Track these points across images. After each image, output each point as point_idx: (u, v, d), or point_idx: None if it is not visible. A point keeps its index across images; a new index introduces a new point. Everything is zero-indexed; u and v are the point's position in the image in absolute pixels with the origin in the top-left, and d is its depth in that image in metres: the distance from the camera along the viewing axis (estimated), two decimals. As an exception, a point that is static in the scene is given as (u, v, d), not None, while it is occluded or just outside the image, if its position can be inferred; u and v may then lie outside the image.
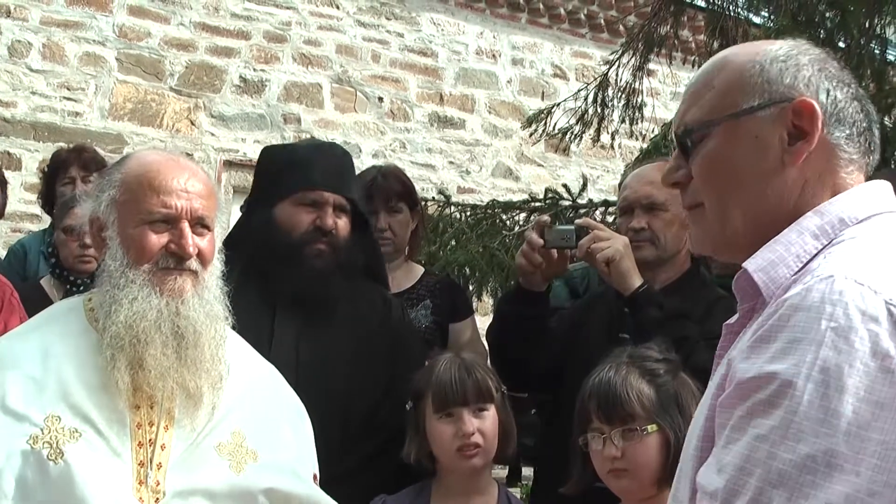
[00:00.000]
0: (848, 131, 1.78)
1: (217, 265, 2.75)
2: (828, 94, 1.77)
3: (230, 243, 3.84)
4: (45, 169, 5.80)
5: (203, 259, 2.66)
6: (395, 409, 3.47)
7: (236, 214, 4.00)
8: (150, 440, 2.53)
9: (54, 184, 5.57)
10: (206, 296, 2.67)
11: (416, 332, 4.04)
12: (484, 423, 3.28)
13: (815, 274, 1.59)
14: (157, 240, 2.60)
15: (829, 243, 1.70)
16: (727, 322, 1.87)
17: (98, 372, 2.53)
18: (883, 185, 1.81)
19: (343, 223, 3.59)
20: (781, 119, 1.77)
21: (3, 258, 5.85)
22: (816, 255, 1.69)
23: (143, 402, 2.55)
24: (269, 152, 3.92)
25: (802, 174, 1.76)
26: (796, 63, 1.80)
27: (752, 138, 1.79)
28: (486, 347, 4.48)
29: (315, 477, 2.82)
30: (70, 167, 5.53)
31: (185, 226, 2.62)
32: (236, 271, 3.47)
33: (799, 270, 1.68)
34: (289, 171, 3.62)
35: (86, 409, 2.49)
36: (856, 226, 1.71)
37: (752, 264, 1.73)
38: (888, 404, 1.46)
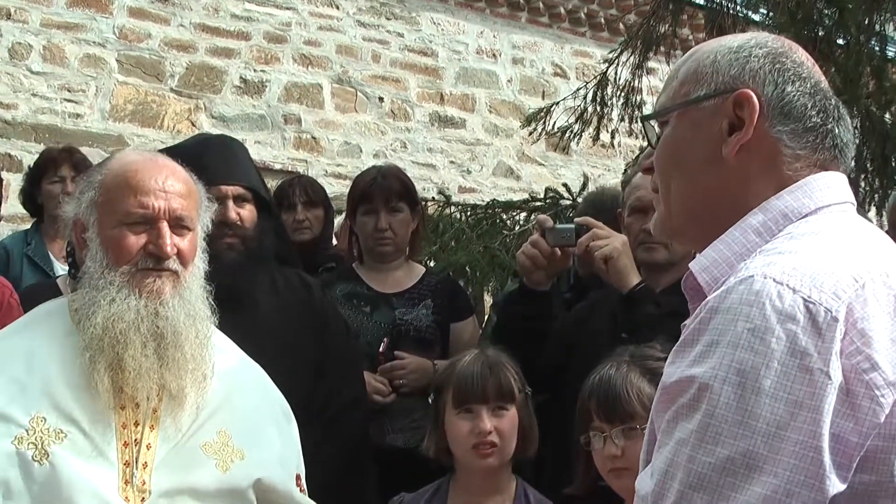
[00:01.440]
0: (793, 126, 1.75)
1: (199, 265, 2.74)
2: (775, 87, 1.76)
3: None
4: (31, 167, 5.71)
5: (183, 259, 2.65)
6: (332, 391, 3.50)
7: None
8: (135, 440, 2.52)
9: (40, 181, 5.49)
10: (188, 296, 2.65)
11: (338, 311, 4.01)
12: (502, 423, 3.25)
13: (738, 275, 1.59)
14: (136, 240, 2.59)
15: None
16: (684, 323, 1.85)
17: (82, 373, 2.53)
18: (834, 176, 1.78)
19: (247, 212, 3.58)
20: (724, 110, 1.76)
21: None
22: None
23: (128, 403, 2.54)
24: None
25: (744, 167, 1.75)
26: (747, 55, 1.79)
27: (697, 127, 1.80)
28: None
29: (299, 477, 2.82)
30: (61, 166, 5.45)
31: (164, 226, 2.60)
32: None
33: None
34: None
35: (71, 410, 2.48)
36: (798, 221, 1.70)
37: (696, 265, 1.75)
38: (806, 403, 1.46)
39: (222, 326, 3.37)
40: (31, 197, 5.56)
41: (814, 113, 1.77)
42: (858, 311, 1.51)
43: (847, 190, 1.79)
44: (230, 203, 3.53)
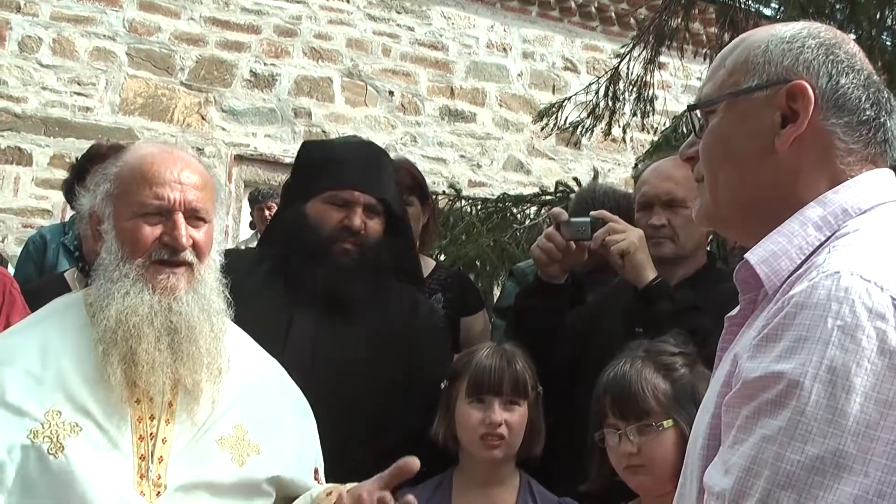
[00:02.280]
0: (847, 119, 1.73)
1: (215, 258, 2.73)
2: (829, 79, 1.74)
3: (266, 238, 3.85)
4: (78, 159, 5.75)
5: (199, 251, 2.64)
6: (412, 413, 3.46)
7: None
8: (150, 434, 2.51)
9: (85, 174, 5.51)
10: (202, 290, 2.65)
11: (443, 334, 3.98)
12: (513, 417, 3.26)
13: (821, 270, 1.55)
14: (151, 232, 2.58)
15: (833, 235, 1.66)
16: (728, 314, 1.85)
17: (97, 366, 2.52)
18: (885, 173, 1.77)
19: (374, 224, 3.57)
20: (776, 101, 1.74)
21: (21, 250, 5.82)
22: (820, 247, 1.66)
23: (143, 396, 2.54)
24: (306, 147, 3.88)
25: (797, 160, 1.73)
26: (801, 45, 1.76)
27: (747, 118, 1.78)
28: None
29: (316, 472, 2.82)
30: (107, 161, 5.48)
31: (179, 217, 2.59)
32: (266, 265, 3.49)
33: (802, 263, 1.65)
34: (323, 169, 3.61)
35: (86, 404, 2.47)
36: (859, 216, 1.68)
37: (754, 256, 1.71)
38: None
39: (313, 325, 3.39)
40: (73, 189, 5.59)
41: (867, 106, 1.75)
42: None
43: None
44: (359, 210, 3.53)
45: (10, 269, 5.54)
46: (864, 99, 1.75)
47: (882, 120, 1.76)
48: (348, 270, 3.49)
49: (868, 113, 1.75)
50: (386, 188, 3.67)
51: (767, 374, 1.52)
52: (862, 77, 1.77)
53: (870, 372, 1.45)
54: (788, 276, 1.66)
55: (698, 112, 1.89)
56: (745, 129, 1.78)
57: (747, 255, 1.73)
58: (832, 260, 1.58)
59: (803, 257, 1.67)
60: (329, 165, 3.61)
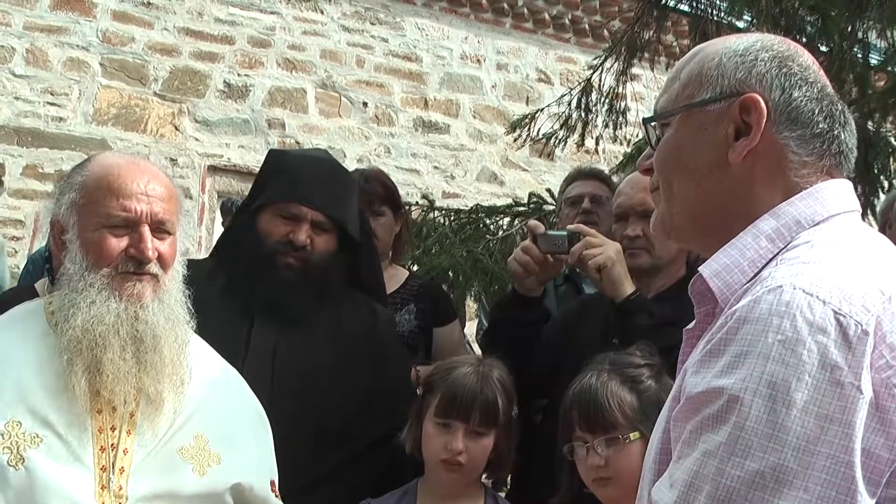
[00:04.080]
0: (800, 131, 1.73)
1: (179, 269, 2.73)
2: (782, 92, 1.74)
3: (219, 246, 3.82)
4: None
5: (163, 263, 2.64)
6: (374, 421, 3.45)
7: (220, 219, 3.95)
8: (112, 445, 2.51)
9: None
10: (167, 300, 2.65)
11: (402, 345, 3.96)
12: (476, 446, 3.22)
13: (765, 284, 1.56)
14: (117, 244, 2.58)
15: (786, 247, 1.67)
16: (686, 328, 1.86)
17: (58, 376, 2.51)
18: (843, 184, 1.77)
19: (322, 241, 3.53)
20: (730, 114, 1.75)
21: (23, 268, 5.92)
22: (772, 259, 1.66)
23: (104, 407, 2.53)
24: (269, 156, 3.83)
25: (750, 173, 1.73)
26: (754, 58, 1.77)
27: (701, 131, 1.78)
28: (474, 352, 4.46)
29: (273, 483, 2.82)
30: (72, 171, 5.52)
31: (145, 230, 2.59)
32: (224, 275, 3.47)
33: (755, 276, 1.65)
34: (277, 179, 3.58)
35: (46, 414, 2.46)
36: (812, 228, 1.68)
37: (707, 269, 1.72)
38: (837, 417, 1.44)
39: (272, 335, 3.36)
40: None
41: (821, 119, 1.75)
42: (887, 324, 1.49)
43: (854, 197, 1.78)
44: (305, 225, 3.50)
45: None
46: (817, 112, 1.75)
47: (836, 132, 1.77)
48: (290, 285, 3.47)
49: (821, 126, 1.75)
50: (340, 206, 3.62)
51: (709, 390, 1.53)
52: (815, 90, 1.77)
53: (810, 386, 1.45)
54: (739, 293, 1.65)
55: (655, 124, 1.89)
56: (699, 142, 1.78)
57: (701, 269, 1.73)
58: (776, 274, 1.58)
59: (756, 270, 1.67)
60: (284, 176, 3.58)
